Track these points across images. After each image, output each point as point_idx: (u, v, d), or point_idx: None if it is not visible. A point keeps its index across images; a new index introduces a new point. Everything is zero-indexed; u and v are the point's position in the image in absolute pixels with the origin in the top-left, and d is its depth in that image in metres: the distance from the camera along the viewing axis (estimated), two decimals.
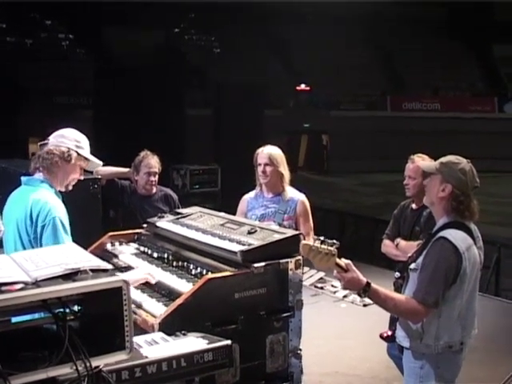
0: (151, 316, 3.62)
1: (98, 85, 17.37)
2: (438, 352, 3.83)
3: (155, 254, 4.61)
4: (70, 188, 4.34)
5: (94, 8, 27.51)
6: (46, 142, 4.20)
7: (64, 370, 2.24)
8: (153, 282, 4.03)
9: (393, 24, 37.89)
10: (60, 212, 4.01)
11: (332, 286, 10.23)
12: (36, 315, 2.33)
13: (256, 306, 3.83)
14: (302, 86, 34.79)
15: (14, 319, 2.28)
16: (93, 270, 2.37)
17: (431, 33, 39.11)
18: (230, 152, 16.36)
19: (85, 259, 2.48)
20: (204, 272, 4.00)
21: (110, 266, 2.46)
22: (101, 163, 4.48)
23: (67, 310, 2.30)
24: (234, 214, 5.76)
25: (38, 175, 4.16)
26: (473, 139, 30.87)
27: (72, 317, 2.33)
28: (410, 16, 37.97)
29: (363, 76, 36.48)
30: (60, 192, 4.23)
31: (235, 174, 13.70)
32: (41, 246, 3.88)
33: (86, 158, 4.31)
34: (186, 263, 4.28)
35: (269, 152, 5.85)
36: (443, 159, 3.98)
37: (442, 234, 3.81)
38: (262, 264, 3.85)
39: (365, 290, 3.71)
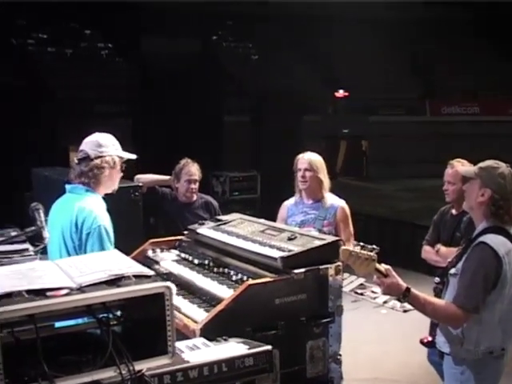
0: (192, 321, 3.63)
1: (136, 93, 17.50)
2: (478, 357, 3.81)
3: (196, 261, 4.62)
4: (116, 188, 4.42)
5: (132, 17, 27.74)
6: (84, 156, 4.18)
7: (108, 374, 2.29)
8: None
9: (429, 27, 37.52)
10: (105, 221, 4.06)
11: (372, 291, 10.21)
12: (80, 320, 2.39)
13: (296, 311, 3.83)
14: (341, 92, 34.61)
15: (58, 324, 2.34)
16: (136, 276, 2.40)
17: (468, 36, 38.72)
18: (269, 159, 16.30)
19: (128, 265, 2.52)
20: (244, 278, 4.01)
21: (152, 273, 2.49)
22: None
23: (111, 315, 2.35)
24: (274, 220, 5.77)
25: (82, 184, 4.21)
26: None
27: (115, 322, 2.38)
28: (447, 18, 37.57)
29: (400, 80, 36.23)
30: (103, 198, 4.28)
31: (274, 180, 13.73)
32: (85, 253, 3.92)
33: (122, 157, 4.37)
34: (226, 269, 4.29)
35: (309, 158, 5.93)
36: (482, 164, 3.96)
37: (481, 239, 3.80)
38: (302, 270, 3.85)
39: (405, 296, 3.72)
